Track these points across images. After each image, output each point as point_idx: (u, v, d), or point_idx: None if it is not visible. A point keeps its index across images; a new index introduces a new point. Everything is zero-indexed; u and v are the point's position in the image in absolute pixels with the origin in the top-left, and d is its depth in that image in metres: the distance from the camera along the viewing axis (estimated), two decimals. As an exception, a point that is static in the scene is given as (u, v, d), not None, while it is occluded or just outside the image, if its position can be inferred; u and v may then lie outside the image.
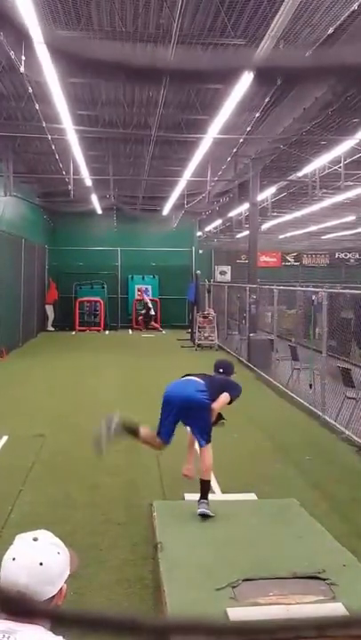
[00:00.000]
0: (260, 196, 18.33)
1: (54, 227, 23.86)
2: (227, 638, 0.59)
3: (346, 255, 33.90)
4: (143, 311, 22.80)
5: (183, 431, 5.39)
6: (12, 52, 8.35)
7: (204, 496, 4.93)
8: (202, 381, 5.15)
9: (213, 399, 5.14)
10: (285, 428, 8.37)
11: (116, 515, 5.22)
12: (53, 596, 1.67)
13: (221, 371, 5.59)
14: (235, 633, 0.59)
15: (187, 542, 4.38)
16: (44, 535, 1.75)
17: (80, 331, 22.23)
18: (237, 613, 3.35)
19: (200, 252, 25.99)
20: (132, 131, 13.95)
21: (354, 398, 8.08)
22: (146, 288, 23.46)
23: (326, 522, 4.84)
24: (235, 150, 15.12)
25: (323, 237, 31.82)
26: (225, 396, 5.19)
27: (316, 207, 21.71)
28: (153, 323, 22.70)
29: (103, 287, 23.68)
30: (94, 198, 19.98)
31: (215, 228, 28.89)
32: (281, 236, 32.01)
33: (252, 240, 16.50)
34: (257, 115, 12.07)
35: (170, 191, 19.70)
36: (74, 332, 21.95)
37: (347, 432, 7.72)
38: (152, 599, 3.89)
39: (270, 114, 11.86)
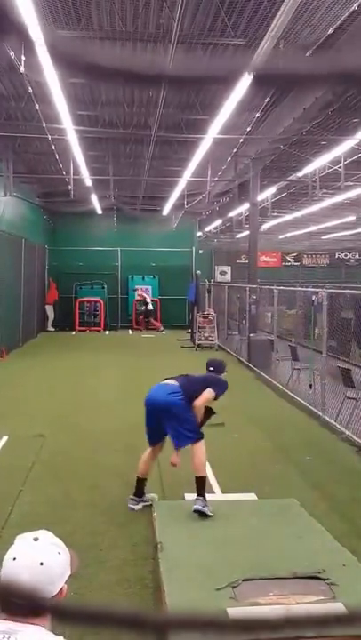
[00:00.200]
0: (261, 196, 18.34)
1: (54, 227, 23.87)
2: (230, 633, 0.59)
3: (346, 255, 33.92)
4: (143, 308, 22.80)
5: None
6: (12, 53, 8.35)
7: (199, 493, 4.99)
8: (176, 383, 5.21)
9: (194, 397, 5.19)
10: (285, 428, 8.37)
11: (116, 515, 5.22)
12: (53, 597, 1.67)
13: (212, 369, 5.68)
14: (238, 628, 0.59)
15: (187, 542, 4.38)
16: (45, 535, 1.75)
17: (80, 331, 22.24)
18: (237, 613, 3.35)
19: (200, 252, 25.99)
20: (132, 131, 13.95)
21: (354, 398, 8.08)
22: (146, 288, 23.47)
23: (326, 522, 4.85)
24: (235, 150, 15.13)
25: (323, 237, 31.84)
26: (208, 392, 5.24)
27: (316, 207, 21.72)
28: (153, 321, 22.68)
29: (103, 287, 23.68)
30: (94, 198, 19.99)
31: (215, 228, 28.89)
32: (281, 237, 32.02)
33: (253, 240, 16.50)
34: (257, 115, 12.07)
35: (170, 191, 19.71)
36: (74, 333, 21.95)
37: (347, 432, 7.72)
38: (152, 599, 3.89)
39: (270, 114, 11.87)
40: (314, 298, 10.58)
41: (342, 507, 5.44)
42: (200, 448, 5.11)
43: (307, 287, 14.81)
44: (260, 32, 7.84)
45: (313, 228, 28.37)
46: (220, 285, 21.72)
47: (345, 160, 15.32)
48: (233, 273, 29.91)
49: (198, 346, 17.65)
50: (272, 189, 19.41)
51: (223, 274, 30.38)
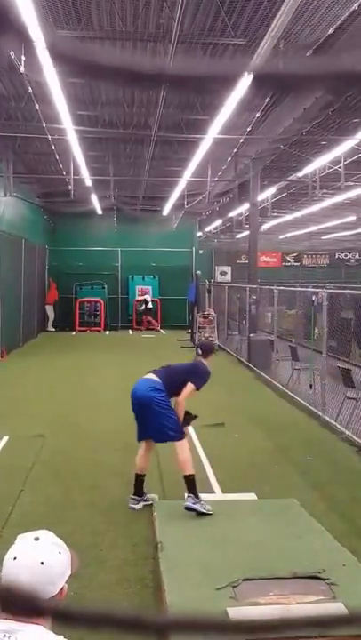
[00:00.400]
0: (261, 197, 18.34)
1: (54, 227, 23.87)
2: (231, 635, 0.59)
3: (346, 255, 33.92)
4: (142, 307, 22.82)
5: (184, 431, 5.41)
6: (12, 53, 8.35)
7: (189, 491, 5.03)
8: (157, 379, 5.24)
9: (176, 389, 5.23)
10: (286, 428, 8.37)
11: (117, 515, 5.22)
12: (54, 597, 1.67)
13: (200, 352, 5.74)
14: (239, 630, 0.60)
15: (187, 542, 4.39)
16: (46, 535, 1.76)
17: (80, 331, 22.24)
18: (237, 613, 3.35)
19: (200, 252, 25.99)
20: (132, 131, 13.95)
21: (354, 398, 8.08)
22: (146, 289, 23.51)
23: (326, 522, 4.85)
24: (235, 150, 15.13)
25: (323, 238, 31.84)
26: (189, 387, 5.27)
27: (316, 207, 21.72)
28: (151, 320, 22.68)
29: (103, 287, 23.68)
30: (94, 198, 19.99)
31: (215, 228, 28.89)
32: (281, 237, 32.02)
33: (253, 240, 16.50)
34: (257, 115, 12.07)
35: (170, 191, 19.71)
36: (74, 333, 21.95)
37: (347, 432, 7.72)
38: (152, 599, 3.89)
39: (270, 114, 11.87)
40: (314, 298, 10.58)
41: (342, 507, 5.44)
42: (182, 446, 5.12)
43: (307, 287, 14.80)
44: (261, 32, 7.84)
45: (313, 229, 28.37)
46: (220, 285, 21.73)
47: (345, 160, 15.32)
48: (233, 273, 29.91)
49: (198, 346, 17.62)
50: (272, 189, 19.41)
51: (223, 274, 30.38)
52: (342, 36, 7.79)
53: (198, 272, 19.65)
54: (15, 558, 1.67)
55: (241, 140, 14.01)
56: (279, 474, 6.38)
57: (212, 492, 5.83)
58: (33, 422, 8.29)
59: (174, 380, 5.29)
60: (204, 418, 8.14)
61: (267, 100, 11.20)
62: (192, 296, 18.85)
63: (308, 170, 16.33)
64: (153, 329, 22.45)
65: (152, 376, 5.32)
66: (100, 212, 22.11)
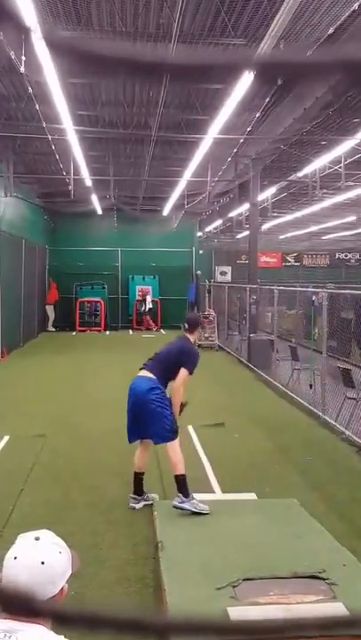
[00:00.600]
0: (261, 197, 18.34)
1: (55, 227, 23.88)
2: (232, 636, 0.59)
3: (346, 255, 33.92)
4: (143, 308, 22.82)
5: (183, 431, 5.41)
6: (12, 53, 8.36)
7: (179, 489, 5.04)
8: (152, 375, 5.23)
9: (171, 377, 5.23)
10: (286, 428, 8.37)
11: (117, 514, 5.22)
12: (54, 596, 1.67)
13: (187, 326, 5.70)
14: (239, 632, 0.59)
15: (187, 542, 4.39)
16: (46, 535, 1.76)
17: (80, 331, 22.24)
18: (238, 613, 3.35)
19: (200, 252, 25.99)
20: (132, 131, 13.95)
21: (354, 399, 8.08)
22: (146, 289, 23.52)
23: (326, 522, 4.85)
24: (235, 150, 15.13)
25: (323, 238, 31.84)
26: (183, 373, 5.25)
27: (316, 207, 21.72)
28: (150, 322, 22.67)
29: (104, 287, 23.68)
30: (94, 199, 19.99)
31: (215, 228, 28.90)
32: (281, 237, 32.03)
33: (253, 240, 16.50)
34: (257, 115, 12.07)
35: (170, 191, 19.71)
36: (74, 333, 21.95)
37: (347, 432, 7.72)
38: (153, 598, 3.89)
39: (271, 114, 11.86)
40: (314, 298, 10.58)
41: (342, 507, 5.44)
42: (173, 447, 5.12)
43: (307, 287, 14.80)
44: (261, 32, 7.84)
45: (313, 229, 28.37)
46: (220, 285, 21.73)
47: (345, 160, 15.32)
48: (233, 273, 29.92)
49: (199, 346, 17.60)
50: (272, 189, 19.41)
51: (223, 274, 30.38)
52: (343, 36, 7.79)
53: (198, 272, 19.67)
54: (16, 558, 1.67)
55: (241, 140, 14.01)
56: (279, 474, 6.38)
57: (213, 491, 5.84)
58: (33, 422, 8.29)
59: (166, 366, 5.29)
60: (205, 418, 8.16)
61: (267, 99, 11.19)
62: (192, 296, 18.86)
63: (308, 170, 16.33)
64: (150, 329, 22.44)
65: (147, 373, 5.29)
66: (100, 212, 22.11)
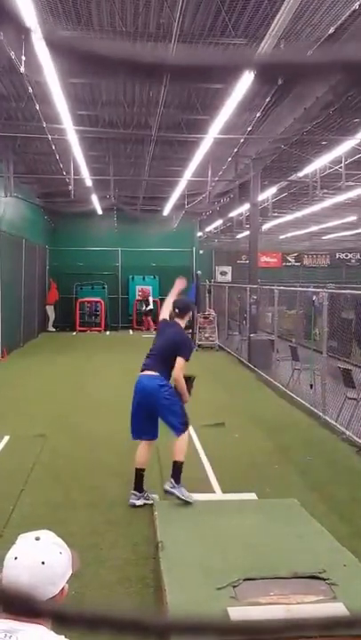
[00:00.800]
0: (261, 197, 18.33)
1: (55, 227, 23.87)
2: (232, 637, 0.59)
3: (347, 256, 33.92)
4: (143, 308, 22.81)
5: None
6: (12, 53, 8.36)
7: (173, 474, 5.29)
8: (157, 372, 5.38)
9: (172, 368, 5.38)
10: (286, 428, 8.36)
11: (117, 514, 5.22)
12: (54, 596, 1.67)
13: (177, 311, 5.72)
14: (239, 632, 0.59)
15: (187, 542, 4.39)
16: (47, 535, 1.75)
17: (81, 331, 22.24)
18: (238, 613, 3.35)
19: (201, 252, 25.98)
20: (132, 131, 13.95)
21: (355, 399, 8.07)
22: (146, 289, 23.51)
23: (326, 522, 4.85)
24: (235, 150, 15.13)
25: (323, 238, 31.84)
26: (180, 361, 5.38)
27: (316, 207, 21.72)
28: (150, 322, 22.64)
29: (104, 287, 23.68)
30: (95, 199, 19.99)
31: (216, 228, 28.90)
32: (282, 237, 32.02)
33: (253, 240, 16.50)
34: (258, 115, 12.07)
35: (170, 191, 19.70)
36: (74, 333, 21.95)
37: (347, 432, 7.71)
38: (153, 598, 3.89)
39: (271, 114, 11.86)
40: (314, 298, 10.58)
41: (343, 507, 5.44)
42: (184, 437, 5.39)
43: (307, 287, 14.80)
44: (261, 32, 7.84)
45: (314, 229, 28.37)
46: (220, 286, 21.73)
47: (346, 160, 15.32)
48: (233, 273, 29.92)
49: (199, 346, 17.64)
50: (273, 189, 19.41)
51: (224, 274, 30.39)
52: (343, 36, 7.78)
53: (199, 272, 19.65)
54: (16, 558, 1.67)
55: (241, 140, 14.01)
56: (280, 474, 6.38)
57: (213, 491, 5.84)
58: (33, 422, 8.29)
59: (165, 360, 5.41)
60: (205, 418, 8.16)
61: (267, 99, 11.19)
62: (192, 296, 18.84)
63: (308, 170, 16.33)
64: (150, 329, 22.43)
65: (151, 372, 5.41)
66: (100, 212, 22.11)
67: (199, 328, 18.03)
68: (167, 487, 5.24)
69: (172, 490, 5.18)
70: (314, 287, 13.49)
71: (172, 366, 5.37)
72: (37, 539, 1.72)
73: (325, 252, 34.00)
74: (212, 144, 12.86)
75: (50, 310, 22.45)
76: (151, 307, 22.58)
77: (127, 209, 22.29)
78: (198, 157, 14.00)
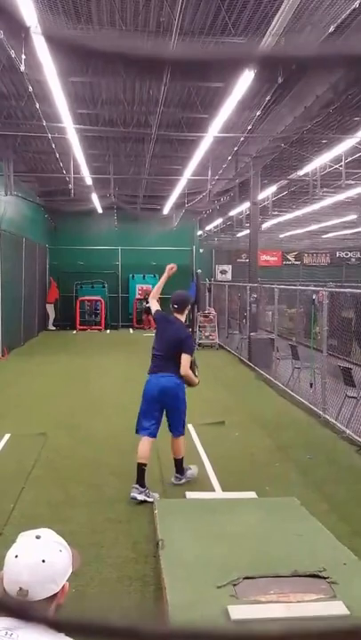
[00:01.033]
0: (261, 195, 18.32)
1: (55, 226, 23.87)
2: None
3: (347, 254, 33.90)
4: (144, 304, 22.76)
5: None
6: (12, 52, 8.35)
7: (178, 470, 5.79)
8: (170, 373, 5.62)
9: (178, 362, 5.62)
10: (286, 426, 8.37)
11: (118, 513, 5.23)
12: (55, 594, 1.67)
13: (176, 307, 5.92)
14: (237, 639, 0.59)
15: (188, 540, 4.39)
16: (47, 533, 1.76)
17: (81, 330, 22.25)
18: (238, 611, 3.36)
19: (201, 251, 25.98)
20: (132, 129, 13.94)
21: (355, 397, 8.08)
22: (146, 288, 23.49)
23: (326, 520, 4.85)
24: (235, 149, 15.11)
25: (324, 236, 31.82)
26: (186, 358, 5.62)
27: (317, 206, 21.70)
28: (151, 320, 22.60)
29: (104, 286, 23.69)
30: (95, 197, 19.98)
31: (216, 227, 28.89)
32: (282, 235, 32.01)
33: (253, 239, 16.50)
34: (258, 113, 12.05)
35: (170, 190, 19.69)
36: (75, 332, 21.96)
37: (347, 431, 7.72)
38: (153, 597, 3.90)
39: (271, 112, 11.85)
40: (314, 297, 10.58)
41: (342, 506, 5.44)
42: (182, 439, 5.85)
43: (307, 286, 14.80)
44: (261, 30, 7.83)
45: (314, 227, 28.35)
46: (220, 284, 21.72)
47: (346, 159, 15.30)
48: (233, 272, 29.92)
49: (199, 345, 17.64)
50: (273, 188, 19.40)
51: (224, 273, 30.39)
52: (344, 34, 7.77)
53: (199, 271, 19.63)
54: (17, 556, 1.67)
55: (241, 139, 14.00)
56: (279, 472, 6.39)
57: (213, 490, 5.84)
58: (34, 421, 8.30)
59: (171, 358, 5.63)
60: (205, 416, 8.16)
61: (267, 98, 11.18)
62: (192, 295, 18.83)
63: (308, 168, 16.31)
64: (151, 328, 22.41)
65: (165, 373, 5.62)
66: (100, 210, 22.10)
67: (199, 327, 18.03)
68: (176, 482, 5.67)
69: (181, 482, 5.66)
70: (314, 286, 13.50)
71: (178, 362, 5.58)
72: (38, 537, 1.72)
73: (326, 250, 33.98)
74: (212, 142, 12.85)
75: (50, 309, 22.45)
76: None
77: (127, 208, 22.28)
78: (198, 156, 13.99)
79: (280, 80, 9.35)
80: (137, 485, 5.42)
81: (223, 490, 5.83)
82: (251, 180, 16.01)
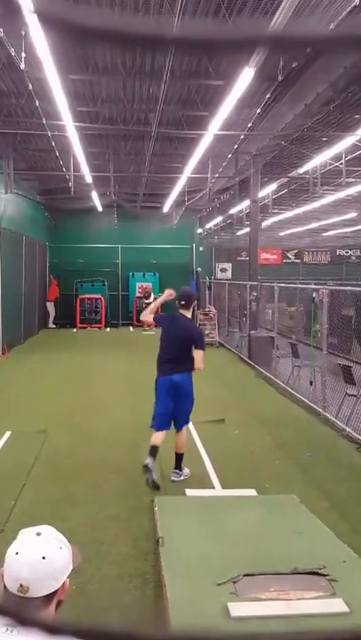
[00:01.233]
0: (261, 193, 18.31)
1: (55, 224, 23.86)
2: None
3: (347, 252, 33.89)
4: (144, 303, 22.75)
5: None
6: (12, 49, 8.34)
7: (177, 466, 5.92)
8: (184, 372, 5.81)
9: (190, 357, 5.82)
10: (286, 424, 8.38)
11: (118, 510, 5.24)
12: (56, 591, 1.68)
13: (183, 303, 6.00)
14: None
15: (188, 537, 4.40)
16: (48, 530, 1.76)
17: (81, 328, 22.25)
18: (238, 608, 3.37)
19: (201, 249, 25.97)
20: (132, 127, 13.93)
21: (355, 395, 8.09)
22: (146, 286, 23.48)
23: (326, 518, 4.86)
24: (235, 147, 15.10)
25: (324, 235, 31.81)
26: (200, 354, 5.82)
27: (317, 204, 21.70)
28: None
29: (104, 284, 23.69)
30: (95, 195, 19.97)
31: (216, 225, 28.88)
32: (282, 233, 32.00)
33: (253, 237, 16.49)
34: (258, 111, 12.04)
35: (170, 188, 19.68)
36: (75, 330, 21.97)
37: (347, 429, 7.73)
38: (153, 594, 3.91)
39: (271, 110, 11.84)
40: (315, 295, 10.58)
41: (342, 503, 5.45)
42: (185, 430, 6.05)
43: (307, 284, 14.80)
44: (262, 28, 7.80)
45: (314, 225, 28.34)
46: (220, 282, 21.72)
47: (346, 156, 15.28)
48: (233, 270, 29.91)
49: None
50: (273, 186, 19.38)
51: (224, 271, 30.38)
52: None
53: (199, 269, 19.65)
54: (17, 553, 1.68)
55: (242, 137, 13.98)
56: (279, 470, 6.40)
57: (213, 487, 5.86)
58: (35, 418, 8.31)
59: (184, 356, 5.81)
60: (205, 414, 8.17)
61: (268, 95, 11.17)
62: (192, 292, 18.82)
63: (308, 166, 16.31)
64: (151, 327, 22.40)
65: (177, 372, 5.78)
66: (100, 208, 22.09)
67: (199, 325, 18.03)
68: (175, 478, 5.83)
69: (180, 478, 5.85)
70: (314, 284, 13.48)
71: (188, 358, 5.79)
72: (38, 534, 1.73)
73: (326, 248, 33.97)
74: (212, 140, 12.84)
75: (50, 307, 22.46)
76: (152, 300, 22.45)
77: (127, 206, 22.27)
78: (198, 154, 13.98)
79: (280, 78, 9.34)
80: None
81: (223, 487, 5.84)
82: (251, 177, 15.99)
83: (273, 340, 12.41)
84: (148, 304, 22.40)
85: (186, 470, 6.03)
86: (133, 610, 3.73)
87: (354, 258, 33.78)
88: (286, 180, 18.74)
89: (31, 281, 18.76)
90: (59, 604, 1.70)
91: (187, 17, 8.03)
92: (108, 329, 22.55)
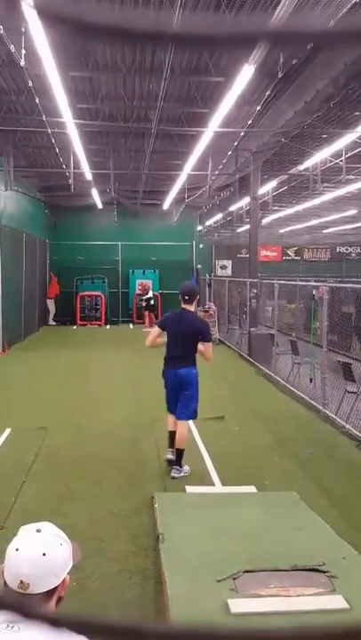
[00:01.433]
0: (261, 190, 18.29)
1: (55, 221, 23.85)
2: None
3: (347, 249, 33.85)
4: (144, 302, 22.74)
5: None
6: (12, 46, 8.32)
7: (178, 462, 5.98)
8: (190, 366, 6.00)
9: (195, 350, 6.02)
10: (286, 421, 8.39)
11: (118, 507, 5.25)
12: (56, 587, 1.69)
13: (187, 297, 6.12)
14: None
15: (188, 534, 4.42)
16: (48, 527, 1.77)
17: (81, 325, 22.26)
18: (238, 605, 3.39)
19: (201, 246, 25.95)
20: (132, 124, 13.91)
21: (354, 392, 8.10)
22: (146, 283, 23.47)
23: (326, 515, 4.87)
24: (235, 144, 15.08)
25: (324, 232, 31.78)
26: (209, 345, 6.08)
27: (317, 201, 21.67)
28: (151, 316, 22.59)
29: (104, 282, 23.68)
30: (95, 192, 19.95)
31: (216, 222, 28.84)
32: (282, 231, 31.97)
33: (253, 234, 16.48)
34: (258, 108, 12.02)
35: (170, 185, 19.66)
36: (75, 327, 21.97)
37: (347, 426, 7.74)
38: (153, 590, 3.92)
39: (271, 107, 11.81)
40: (315, 292, 10.58)
41: (342, 500, 5.47)
42: (186, 425, 6.16)
43: (307, 281, 14.80)
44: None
45: (314, 222, 28.31)
46: (220, 280, 21.70)
47: (346, 153, 15.26)
48: (233, 267, 29.87)
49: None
50: (273, 183, 19.36)
51: (224, 268, 30.35)
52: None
53: (199, 266, 19.64)
54: (17, 550, 1.69)
55: (242, 134, 13.96)
56: (279, 467, 6.41)
57: (213, 484, 5.87)
58: (35, 415, 8.32)
59: (190, 350, 5.98)
60: (205, 411, 8.17)
61: (268, 92, 11.15)
62: (193, 290, 18.78)
63: (309, 163, 16.28)
64: (150, 324, 22.41)
65: (182, 366, 5.95)
66: (100, 206, 22.07)
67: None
68: (175, 475, 5.87)
69: (180, 475, 5.89)
70: (314, 281, 13.49)
71: (194, 350, 6.00)
72: (39, 531, 1.73)
73: (326, 245, 33.93)
74: (212, 137, 12.83)
75: (50, 304, 22.46)
76: (150, 295, 22.38)
77: (127, 203, 22.25)
78: (198, 151, 13.97)
79: (280, 74, 9.32)
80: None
81: (223, 484, 5.85)
82: (251, 174, 15.97)
83: (273, 338, 12.41)
84: (148, 300, 22.49)
85: (186, 467, 6.03)
86: (133, 606, 3.75)
87: (354, 255, 33.73)
88: (286, 177, 18.71)
89: (31, 278, 18.75)
90: (59, 600, 1.71)
91: (187, 12, 8.01)
92: (108, 326, 22.55)
